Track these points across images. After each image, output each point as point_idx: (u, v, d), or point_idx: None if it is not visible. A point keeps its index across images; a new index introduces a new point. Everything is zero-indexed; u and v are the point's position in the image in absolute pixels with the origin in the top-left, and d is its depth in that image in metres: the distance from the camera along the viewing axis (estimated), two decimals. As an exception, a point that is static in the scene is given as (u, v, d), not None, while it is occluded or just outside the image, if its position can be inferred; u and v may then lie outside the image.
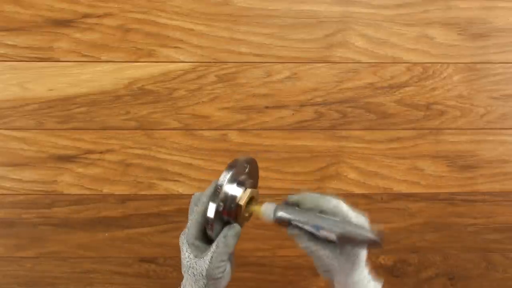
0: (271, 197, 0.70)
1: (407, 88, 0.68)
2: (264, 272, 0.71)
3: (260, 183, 0.69)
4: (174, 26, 0.66)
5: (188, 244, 0.42)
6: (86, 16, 0.65)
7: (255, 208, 0.44)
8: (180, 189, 0.69)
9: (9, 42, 0.65)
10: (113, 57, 0.66)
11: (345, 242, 0.40)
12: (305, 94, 0.67)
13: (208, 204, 0.41)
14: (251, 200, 0.45)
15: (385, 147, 0.69)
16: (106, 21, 0.65)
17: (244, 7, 0.66)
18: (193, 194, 0.45)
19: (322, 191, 0.69)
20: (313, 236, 0.41)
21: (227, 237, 0.42)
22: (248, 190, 0.44)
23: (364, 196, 0.69)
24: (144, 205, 0.69)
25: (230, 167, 0.43)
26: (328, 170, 0.69)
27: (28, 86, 0.66)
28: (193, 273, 0.42)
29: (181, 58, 0.66)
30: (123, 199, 0.69)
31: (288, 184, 0.69)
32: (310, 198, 0.43)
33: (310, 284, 0.72)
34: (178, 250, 0.69)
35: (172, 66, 0.66)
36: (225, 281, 0.43)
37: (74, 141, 0.67)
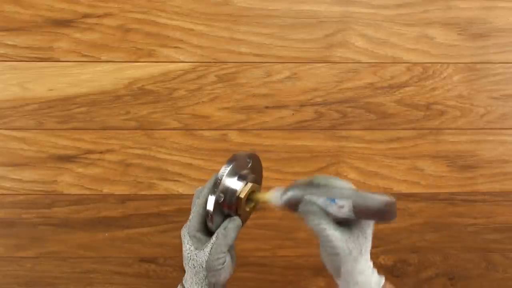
0: (271, 197, 0.70)
1: (407, 88, 0.68)
2: (264, 272, 0.71)
3: (260, 183, 0.70)
4: (174, 26, 0.66)
5: (190, 236, 0.43)
6: (86, 16, 0.65)
7: (261, 196, 0.44)
8: (180, 189, 0.69)
9: (9, 42, 0.65)
10: (113, 57, 0.66)
11: (360, 212, 0.40)
12: (305, 94, 0.67)
13: (208, 196, 0.42)
14: (253, 194, 0.45)
15: (385, 147, 0.69)
16: (106, 21, 0.65)
17: (244, 7, 0.66)
18: (194, 192, 0.46)
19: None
20: (325, 214, 0.41)
21: (227, 229, 0.42)
22: (249, 184, 0.44)
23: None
24: (144, 205, 0.69)
25: (230, 160, 0.43)
26: (328, 170, 0.69)
27: (28, 86, 0.66)
28: (194, 265, 0.42)
29: (181, 58, 0.66)
30: (123, 199, 0.69)
31: (288, 184, 0.69)
32: (321, 177, 0.43)
33: (310, 284, 0.72)
34: (178, 250, 0.69)
35: (172, 66, 0.66)
36: (225, 273, 0.43)
37: (74, 141, 0.67)
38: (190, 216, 0.43)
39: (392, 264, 0.71)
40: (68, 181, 0.68)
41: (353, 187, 0.42)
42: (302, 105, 0.68)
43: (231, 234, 0.43)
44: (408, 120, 0.68)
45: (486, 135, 0.69)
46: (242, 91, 0.67)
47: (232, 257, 0.45)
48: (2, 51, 0.65)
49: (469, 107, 0.68)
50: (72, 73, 0.66)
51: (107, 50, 0.66)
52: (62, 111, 0.67)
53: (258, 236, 0.70)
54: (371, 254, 0.44)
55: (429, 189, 0.70)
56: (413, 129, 0.69)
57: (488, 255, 0.72)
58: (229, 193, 0.43)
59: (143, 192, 0.69)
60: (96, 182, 0.68)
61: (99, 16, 0.65)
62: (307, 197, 0.42)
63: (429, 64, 0.68)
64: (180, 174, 0.68)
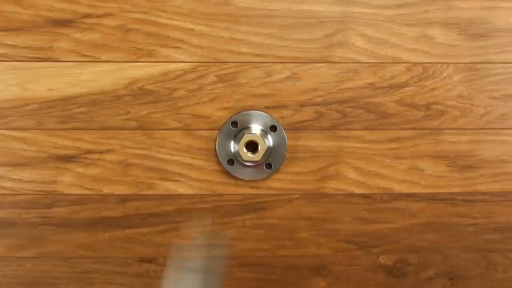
0: (271, 198, 0.70)
1: (407, 88, 0.68)
2: (264, 272, 0.71)
3: (260, 185, 0.70)
4: (174, 26, 0.66)
5: None
6: (86, 16, 0.65)
7: None
8: (180, 189, 0.69)
9: (9, 42, 0.65)
10: (113, 57, 0.66)
11: None
12: (305, 94, 0.68)
13: None
14: None
15: (385, 147, 0.69)
16: (106, 21, 0.65)
17: (244, 7, 0.66)
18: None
19: (322, 191, 0.69)
20: None
21: None
22: None
23: (364, 196, 0.69)
24: (144, 205, 0.69)
25: None
26: (328, 170, 0.69)
27: (28, 86, 0.66)
28: None
29: (181, 58, 0.66)
30: (123, 199, 0.69)
31: (288, 184, 0.69)
32: None
33: (310, 284, 0.72)
34: (178, 250, 0.69)
35: (172, 66, 0.66)
36: None
37: (74, 141, 0.67)
38: None
39: (392, 264, 0.71)
40: (68, 181, 0.68)
41: None
42: (302, 105, 0.68)
43: None
44: (408, 120, 0.68)
45: (486, 135, 0.69)
46: (242, 91, 0.67)
47: None
48: (2, 51, 0.65)
49: (469, 107, 0.68)
50: (72, 73, 0.66)
51: (107, 50, 0.66)
52: (62, 111, 0.67)
53: (258, 236, 0.70)
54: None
55: (429, 189, 0.70)
56: (413, 129, 0.69)
57: (488, 255, 0.72)
58: None
59: (143, 192, 0.69)
60: (96, 182, 0.68)
61: (99, 16, 0.65)
62: None
63: (429, 64, 0.68)
64: (180, 174, 0.69)
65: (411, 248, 0.71)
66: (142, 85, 0.67)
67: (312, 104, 0.68)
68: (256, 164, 0.68)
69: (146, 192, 0.69)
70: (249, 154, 0.66)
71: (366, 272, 0.71)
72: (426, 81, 0.68)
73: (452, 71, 0.68)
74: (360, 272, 0.71)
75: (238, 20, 0.66)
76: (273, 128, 0.68)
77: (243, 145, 0.66)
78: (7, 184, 0.68)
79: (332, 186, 0.69)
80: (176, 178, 0.69)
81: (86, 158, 0.68)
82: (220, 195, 0.69)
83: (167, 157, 0.68)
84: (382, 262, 0.71)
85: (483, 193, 0.70)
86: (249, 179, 0.69)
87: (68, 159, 0.68)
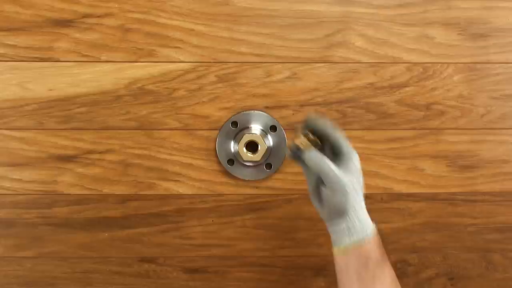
0: (271, 198, 0.70)
1: (407, 88, 0.68)
2: (264, 272, 0.71)
3: (260, 184, 0.70)
4: (174, 26, 0.66)
5: None
6: (86, 16, 0.65)
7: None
8: (180, 189, 0.69)
9: (9, 42, 0.65)
10: (113, 57, 0.66)
11: None
12: (305, 94, 0.68)
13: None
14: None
15: (385, 147, 0.69)
16: (106, 21, 0.65)
17: (244, 7, 0.66)
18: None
19: (322, 191, 0.69)
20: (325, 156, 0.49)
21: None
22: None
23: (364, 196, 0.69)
24: (144, 205, 0.69)
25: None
26: (328, 170, 0.69)
27: (28, 86, 0.66)
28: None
29: (181, 58, 0.66)
30: (123, 199, 0.69)
31: (288, 184, 0.69)
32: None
33: (310, 284, 0.72)
34: (178, 250, 0.69)
35: (172, 66, 0.66)
36: None
37: (74, 141, 0.67)
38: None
39: (392, 264, 0.71)
40: (68, 181, 0.68)
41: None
42: (302, 105, 0.68)
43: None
44: (408, 120, 0.68)
45: (486, 135, 0.69)
46: (242, 91, 0.67)
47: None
48: (2, 51, 0.65)
49: (469, 107, 0.68)
50: (72, 73, 0.66)
51: (107, 50, 0.66)
52: (62, 111, 0.67)
53: (258, 236, 0.70)
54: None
55: (429, 189, 0.70)
56: (413, 129, 0.69)
57: (488, 255, 0.72)
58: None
59: (143, 192, 0.69)
60: (96, 182, 0.68)
61: (99, 16, 0.65)
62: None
63: (429, 64, 0.68)
64: (180, 174, 0.68)
65: (411, 248, 0.71)
66: (142, 85, 0.67)
67: (312, 104, 0.68)
68: (256, 164, 0.68)
69: (146, 192, 0.69)
70: (249, 154, 0.66)
71: (366, 272, 0.71)
72: (426, 81, 0.68)
73: (452, 71, 0.68)
74: (360, 272, 0.71)
75: (238, 20, 0.66)
76: (273, 128, 0.68)
77: (243, 145, 0.66)
78: (7, 184, 0.68)
79: (332, 186, 0.69)
80: (176, 178, 0.69)
81: (86, 158, 0.68)
82: (220, 195, 0.69)
83: (167, 157, 0.68)
84: (382, 262, 0.71)
85: (483, 193, 0.70)
86: (249, 179, 0.69)
87: (68, 159, 0.68)
